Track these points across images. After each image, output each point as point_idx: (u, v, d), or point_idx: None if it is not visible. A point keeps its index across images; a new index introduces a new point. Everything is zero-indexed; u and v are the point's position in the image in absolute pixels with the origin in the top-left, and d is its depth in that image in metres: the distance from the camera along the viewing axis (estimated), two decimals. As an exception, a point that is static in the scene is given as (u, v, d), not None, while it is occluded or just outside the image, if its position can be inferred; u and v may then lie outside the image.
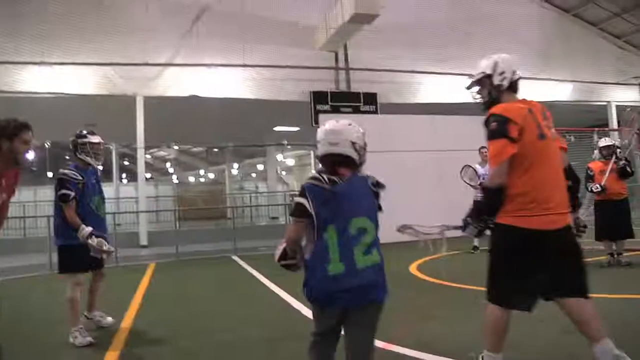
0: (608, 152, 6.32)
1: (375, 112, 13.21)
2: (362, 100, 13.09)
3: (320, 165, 2.21)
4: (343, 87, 13.56)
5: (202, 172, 38.06)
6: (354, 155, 2.19)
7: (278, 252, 2.24)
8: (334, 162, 2.20)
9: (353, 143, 2.19)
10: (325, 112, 12.44)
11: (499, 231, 2.60)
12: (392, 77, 13.81)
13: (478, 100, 2.80)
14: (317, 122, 11.81)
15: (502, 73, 2.67)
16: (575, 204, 2.73)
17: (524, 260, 2.46)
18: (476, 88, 2.79)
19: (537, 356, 3.21)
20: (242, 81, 13.15)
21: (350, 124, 2.24)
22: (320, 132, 2.23)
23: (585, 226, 4.69)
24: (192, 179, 39.19)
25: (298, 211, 2.11)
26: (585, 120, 20.22)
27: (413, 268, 6.92)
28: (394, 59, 13.63)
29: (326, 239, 2.06)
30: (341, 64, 13.73)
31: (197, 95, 12.66)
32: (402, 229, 2.65)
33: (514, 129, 2.47)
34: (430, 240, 2.76)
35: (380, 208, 2.23)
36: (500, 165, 2.50)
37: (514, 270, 2.48)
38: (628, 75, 18.09)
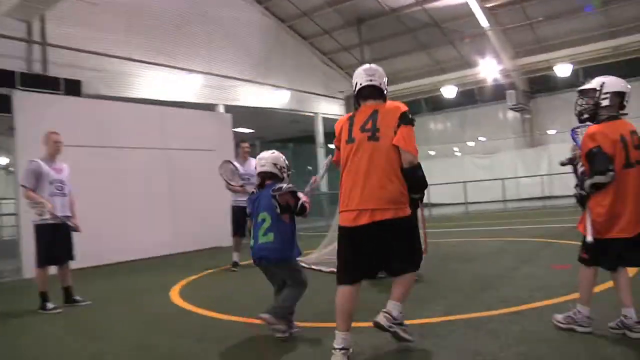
0: None
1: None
2: (63, 88, 12.06)
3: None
4: (38, 68, 12.29)
5: None
6: (276, 172, 4.18)
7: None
8: (264, 177, 4.22)
9: (275, 164, 4.18)
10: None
11: None
12: (102, 64, 13.25)
13: None
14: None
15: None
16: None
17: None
18: None
19: None
20: None
21: (273, 152, 4.28)
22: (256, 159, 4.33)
23: None
24: None
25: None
26: (293, 130, 23.55)
27: (175, 294, 6.48)
28: (106, 42, 13.27)
29: (250, 225, 4.47)
30: (36, 38, 12.40)
31: None
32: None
33: (336, 139, 3.60)
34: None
35: (279, 205, 3.93)
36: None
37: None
38: (332, 89, 21.71)
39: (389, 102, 3.51)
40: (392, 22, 19.91)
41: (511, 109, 21.59)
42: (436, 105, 25.44)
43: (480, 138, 24.75)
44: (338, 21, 20.22)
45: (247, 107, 17.87)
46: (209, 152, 11.56)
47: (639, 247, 3.44)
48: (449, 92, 21.56)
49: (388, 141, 3.32)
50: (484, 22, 18.08)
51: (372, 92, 3.50)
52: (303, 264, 7.18)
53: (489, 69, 19.63)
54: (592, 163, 3.44)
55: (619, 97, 3.57)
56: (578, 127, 3.81)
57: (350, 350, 3.28)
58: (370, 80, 3.49)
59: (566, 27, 18.99)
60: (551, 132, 22.25)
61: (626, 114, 3.64)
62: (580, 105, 3.72)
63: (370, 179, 3.30)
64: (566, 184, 17.23)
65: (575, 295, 3.77)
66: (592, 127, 3.55)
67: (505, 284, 5.51)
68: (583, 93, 3.71)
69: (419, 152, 3.39)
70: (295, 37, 20.89)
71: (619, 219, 3.40)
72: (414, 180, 3.36)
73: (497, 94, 21.81)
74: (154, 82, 14.83)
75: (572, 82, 21.63)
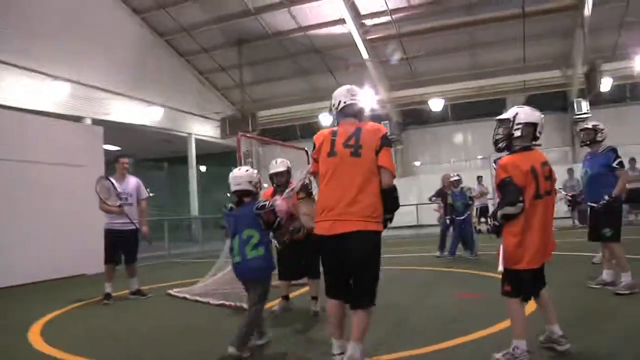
0: None
1: None
2: None
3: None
4: None
5: None
6: (252, 188, 4.36)
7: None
8: (240, 195, 4.37)
9: (250, 182, 4.36)
10: None
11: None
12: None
13: None
14: None
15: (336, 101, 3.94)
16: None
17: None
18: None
19: None
20: None
21: (247, 170, 4.46)
22: (230, 177, 4.40)
23: None
24: None
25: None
26: (164, 149, 22.79)
27: (35, 334, 5.43)
28: None
29: (233, 243, 4.29)
30: None
31: None
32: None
33: (315, 151, 3.83)
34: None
35: (263, 221, 4.22)
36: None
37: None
38: (207, 110, 21.41)
39: (370, 123, 3.78)
40: (274, 46, 20.42)
41: (386, 139, 22.78)
42: (310, 132, 26.10)
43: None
44: (218, 40, 20.33)
45: (118, 122, 17.01)
46: (77, 167, 10.81)
47: (538, 278, 3.74)
48: (326, 119, 22.32)
49: (369, 159, 3.57)
50: (364, 53, 19.10)
51: (353, 111, 3.83)
52: (186, 296, 7.08)
53: (366, 99, 20.62)
54: (503, 193, 3.63)
55: (532, 128, 3.75)
56: (498, 158, 3.86)
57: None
58: (353, 100, 3.82)
59: (439, 65, 20.78)
60: (417, 163, 23.94)
61: (539, 145, 3.84)
62: (497, 135, 3.89)
63: (350, 192, 3.54)
64: (434, 214, 18.74)
65: (493, 328, 4.18)
66: (505, 158, 3.73)
67: (420, 316, 5.45)
68: (500, 122, 3.89)
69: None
70: (172, 52, 20.47)
71: (527, 250, 3.58)
72: (391, 200, 3.59)
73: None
74: (14, 87, 13.68)
75: (442, 117, 23.66)
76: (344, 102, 3.80)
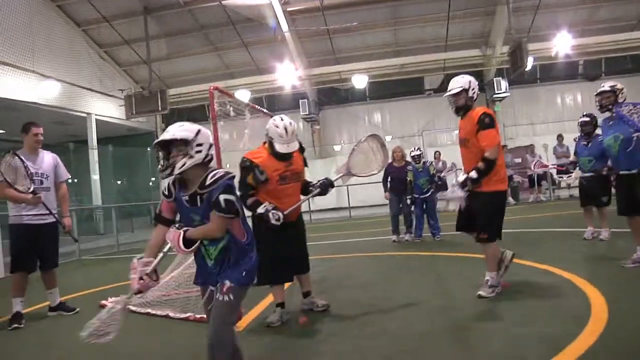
0: None
1: None
2: None
3: None
4: None
5: None
6: None
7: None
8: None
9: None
10: None
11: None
12: None
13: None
14: None
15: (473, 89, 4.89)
16: None
17: None
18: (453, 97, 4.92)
19: None
20: None
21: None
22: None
23: None
24: None
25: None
26: (59, 132, 20.25)
27: None
28: None
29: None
30: None
31: None
32: None
33: None
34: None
35: None
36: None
37: None
38: (108, 88, 19.23)
39: None
40: (185, 16, 18.54)
41: (303, 118, 21.92)
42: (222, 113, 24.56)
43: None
44: (121, 8, 18.00)
45: (1, 98, 14.50)
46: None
47: None
48: (243, 96, 20.89)
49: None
50: (284, 25, 17.88)
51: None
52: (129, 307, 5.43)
53: (286, 76, 19.46)
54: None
55: None
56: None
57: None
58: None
59: (359, 42, 20.07)
60: (337, 146, 23.26)
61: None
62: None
63: None
64: (354, 196, 18.23)
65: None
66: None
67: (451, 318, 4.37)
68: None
69: None
70: (66, 20, 17.95)
71: None
72: None
73: (288, 103, 21.94)
74: None
75: (359, 96, 23.06)
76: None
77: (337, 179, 4.78)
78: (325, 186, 4.60)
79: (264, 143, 4.54)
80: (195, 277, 3.03)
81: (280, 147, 4.35)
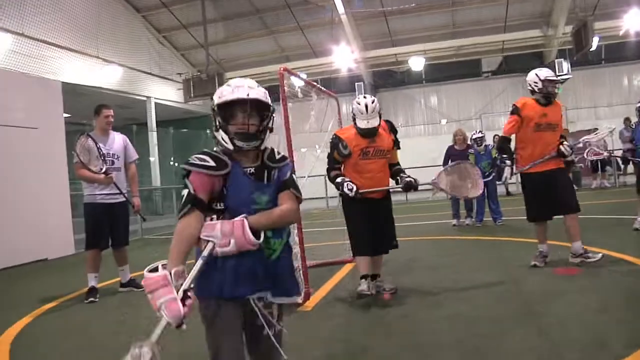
0: None
1: None
2: None
3: None
4: None
5: None
6: None
7: None
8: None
9: None
10: None
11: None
12: None
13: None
14: None
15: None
16: None
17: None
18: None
19: None
20: None
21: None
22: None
23: None
24: None
25: None
26: (123, 116, 20.79)
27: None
28: None
29: None
30: None
31: None
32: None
33: None
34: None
35: None
36: None
37: None
38: (166, 72, 19.59)
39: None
40: (241, 0, 18.58)
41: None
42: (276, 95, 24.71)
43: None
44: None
45: (68, 82, 14.98)
46: (30, 130, 9.12)
47: None
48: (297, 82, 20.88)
49: None
50: (340, 7, 17.68)
51: None
52: None
53: (342, 59, 19.28)
54: None
55: None
56: None
57: None
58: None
59: (416, 24, 19.70)
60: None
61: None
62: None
63: None
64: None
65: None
66: None
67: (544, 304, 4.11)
68: None
69: None
70: (127, 7, 18.39)
71: None
72: None
73: (344, 86, 21.76)
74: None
75: (415, 79, 22.66)
76: None
77: (423, 185, 4.81)
78: (409, 187, 4.68)
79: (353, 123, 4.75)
80: (233, 286, 1.99)
81: (360, 123, 4.60)
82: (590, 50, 16.25)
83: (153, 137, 19.95)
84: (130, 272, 5.96)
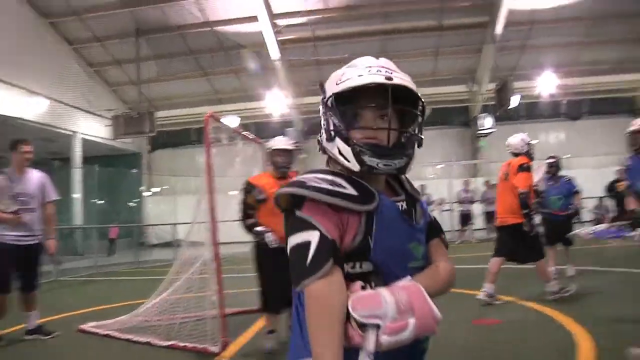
0: None
1: None
2: None
3: None
4: None
5: None
6: None
7: None
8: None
9: None
10: None
11: None
12: None
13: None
14: None
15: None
16: None
17: None
18: None
19: None
20: None
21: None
22: None
23: None
24: None
25: None
26: (45, 150, 20.00)
27: None
28: None
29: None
30: None
31: None
32: None
33: None
34: None
35: None
36: None
37: None
38: (95, 107, 19.12)
39: None
40: (176, 40, 18.63)
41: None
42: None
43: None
44: (114, 29, 18.03)
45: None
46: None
47: None
48: (232, 122, 20.90)
49: None
50: (275, 54, 18.02)
51: None
52: (109, 333, 5.23)
53: (275, 104, 19.54)
54: None
55: None
56: None
57: None
58: None
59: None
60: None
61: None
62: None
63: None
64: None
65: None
66: None
67: None
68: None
69: None
70: (58, 39, 17.96)
71: None
72: None
73: (276, 131, 21.94)
74: None
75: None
76: None
77: None
78: None
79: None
80: None
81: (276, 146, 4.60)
82: (510, 107, 17.34)
83: (77, 173, 19.18)
84: (42, 316, 5.56)
